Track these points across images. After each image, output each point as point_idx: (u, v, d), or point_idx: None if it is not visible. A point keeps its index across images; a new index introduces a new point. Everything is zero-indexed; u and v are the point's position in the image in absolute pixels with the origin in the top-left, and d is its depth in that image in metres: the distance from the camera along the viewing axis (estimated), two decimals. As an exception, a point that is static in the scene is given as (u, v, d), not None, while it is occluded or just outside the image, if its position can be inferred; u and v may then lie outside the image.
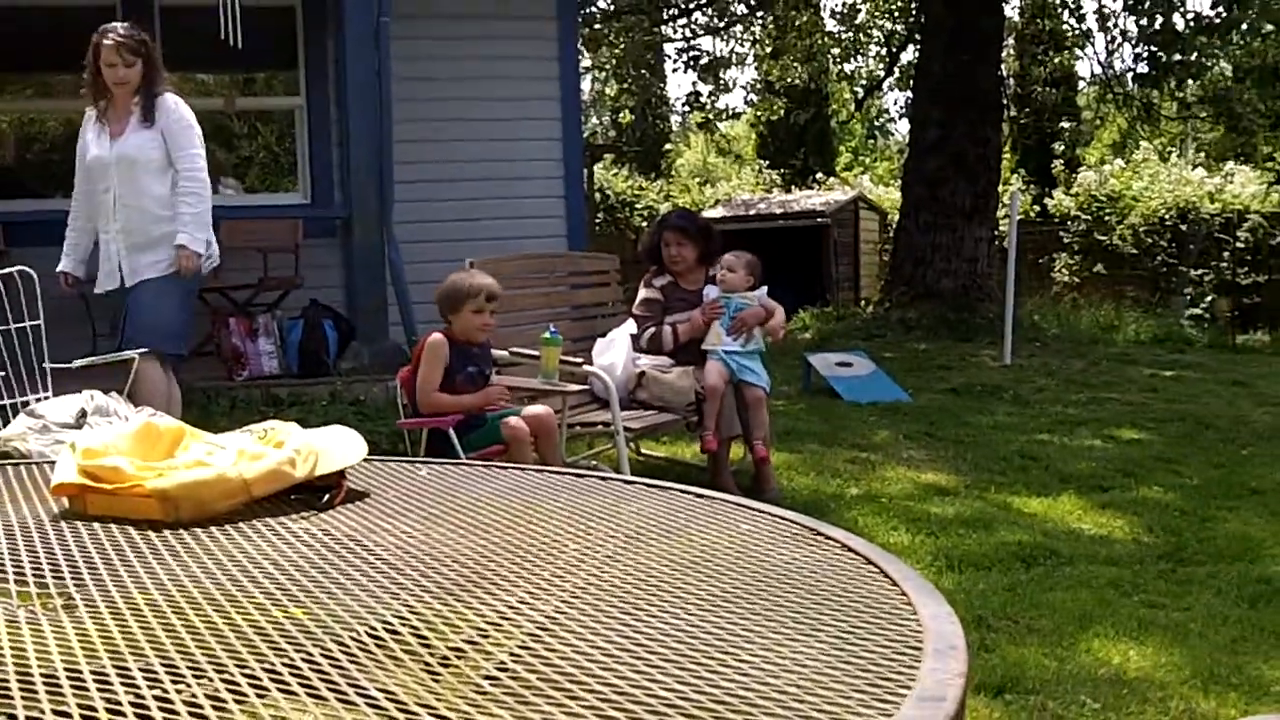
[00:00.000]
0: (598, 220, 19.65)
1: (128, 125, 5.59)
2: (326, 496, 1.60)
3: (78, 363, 5.27)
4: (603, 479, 1.85)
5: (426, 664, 1.03)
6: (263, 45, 8.95)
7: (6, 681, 0.98)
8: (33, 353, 5.23)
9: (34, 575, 1.31)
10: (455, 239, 8.50)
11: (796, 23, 19.60)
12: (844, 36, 20.79)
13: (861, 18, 20.50)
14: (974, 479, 6.06)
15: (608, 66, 24.25)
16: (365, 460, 1.77)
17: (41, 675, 0.99)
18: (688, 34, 21.29)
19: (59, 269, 5.78)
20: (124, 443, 1.58)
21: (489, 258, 5.84)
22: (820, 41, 20.39)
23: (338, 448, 1.66)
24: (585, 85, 24.07)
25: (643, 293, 6.08)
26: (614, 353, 5.85)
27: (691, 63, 21.03)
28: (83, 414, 4.98)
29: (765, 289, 5.91)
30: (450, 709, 0.92)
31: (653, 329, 5.89)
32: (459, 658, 1.05)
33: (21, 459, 4.61)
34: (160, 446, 1.62)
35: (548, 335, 5.24)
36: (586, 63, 21.66)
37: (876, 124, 33.28)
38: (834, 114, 27.03)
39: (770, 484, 5.70)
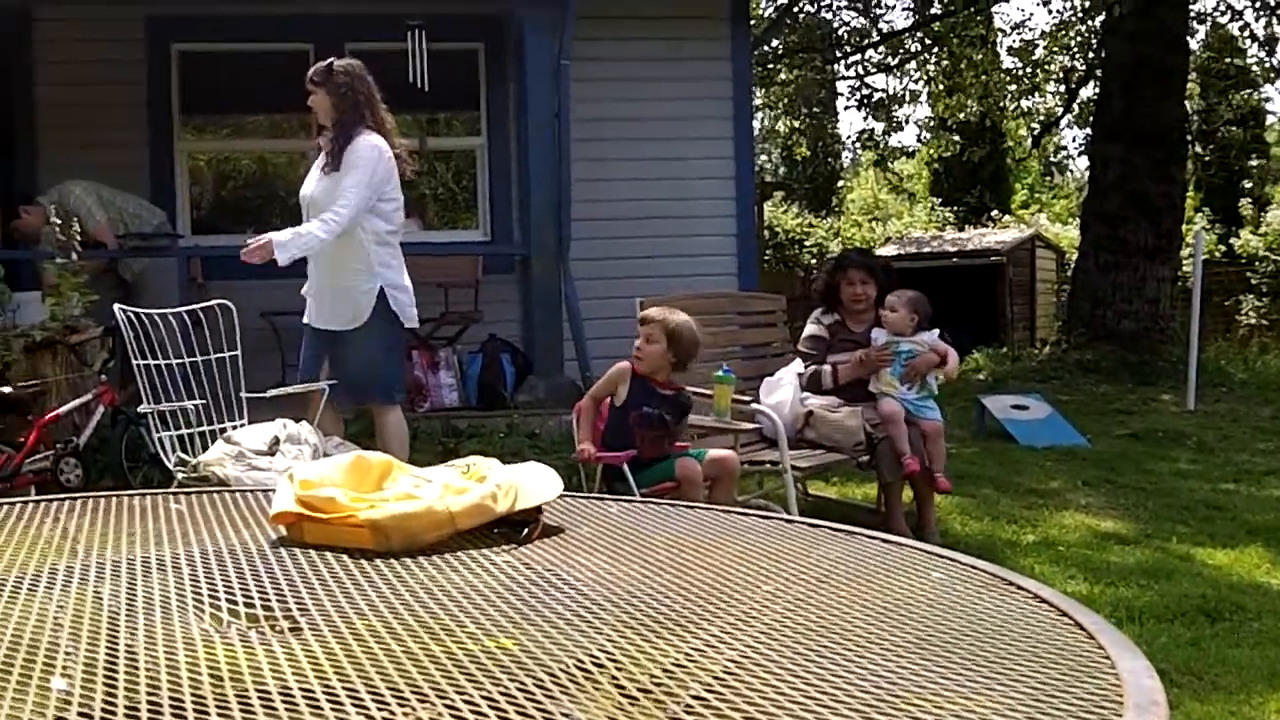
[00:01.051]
0: (766, 257, 19.68)
1: (322, 165, 5.57)
2: (526, 530, 1.67)
3: (271, 392, 5.51)
4: (788, 522, 1.88)
5: (629, 696, 1.08)
6: (446, 87, 9.24)
7: (248, 697, 1.06)
8: (230, 382, 5.49)
9: (260, 598, 1.40)
10: (629, 276, 8.64)
11: (972, 59, 19.37)
12: (1021, 73, 20.47)
13: (1039, 54, 20.17)
14: (1155, 528, 5.89)
15: (780, 103, 24.30)
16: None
17: (279, 693, 1.07)
18: (860, 71, 21.23)
19: (302, 291, 5.81)
20: (338, 474, 1.67)
21: (658, 297, 5.92)
22: (996, 78, 20.11)
23: (535, 484, 1.72)
24: (755, 122, 24.16)
25: (809, 329, 6.08)
26: (781, 392, 5.86)
27: (864, 100, 20.96)
28: (275, 441, 5.20)
29: (936, 331, 5.84)
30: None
31: (813, 368, 5.89)
32: (656, 688, 1.10)
33: (220, 483, 4.85)
34: (370, 479, 1.71)
35: (720, 374, 5.28)
36: (758, 100, 21.75)
37: (1053, 161, 32.61)
38: (1009, 151, 26.58)
39: (932, 526, 5.65)
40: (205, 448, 5.22)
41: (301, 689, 1.08)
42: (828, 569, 1.56)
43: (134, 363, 5.27)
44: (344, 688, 1.08)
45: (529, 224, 8.31)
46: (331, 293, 5.61)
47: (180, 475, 5.04)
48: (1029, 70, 20.31)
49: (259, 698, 1.06)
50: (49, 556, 1.63)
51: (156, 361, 5.33)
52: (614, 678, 1.12)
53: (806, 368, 5.92)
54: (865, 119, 21.90)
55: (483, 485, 1.66)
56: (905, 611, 1.36)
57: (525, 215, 8.54)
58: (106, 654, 1.19)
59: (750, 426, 5.60)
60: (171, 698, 1.07)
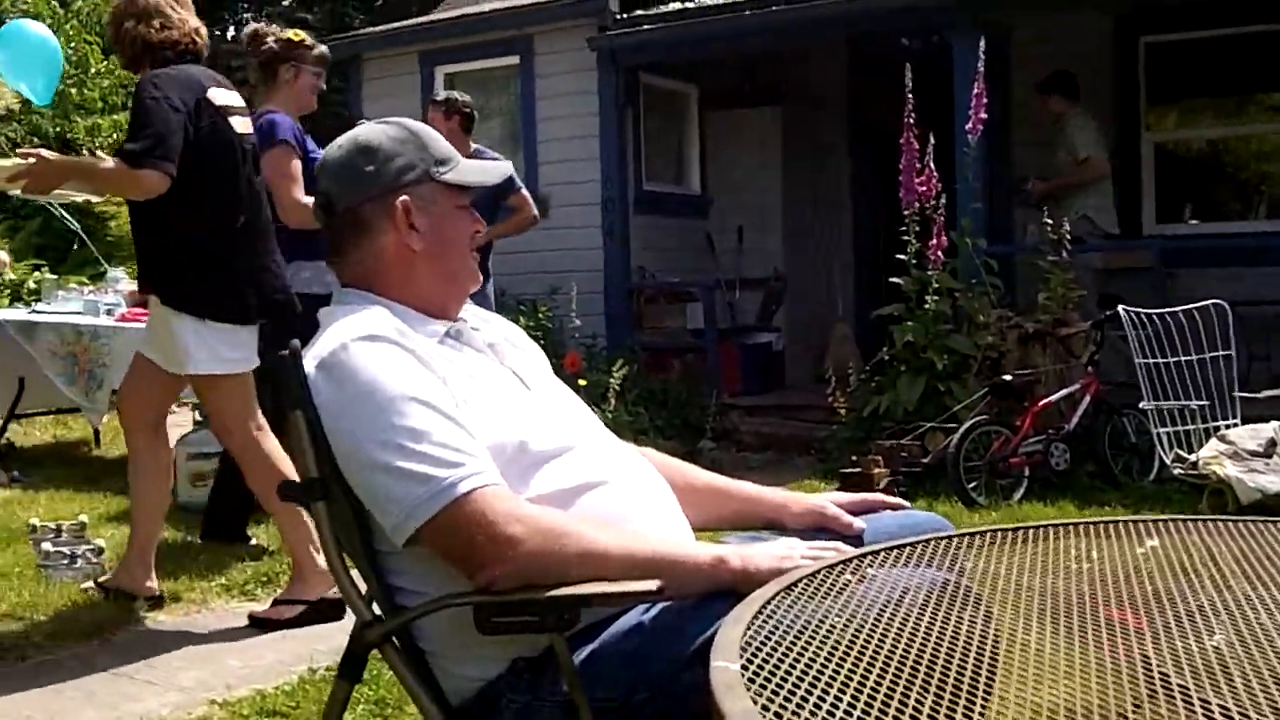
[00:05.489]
0: None
1: None
2: None
3: (1266, 393, 5.52)
4: None
5: None
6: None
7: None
8: (1224, 380, 5.58)
9: None
10: None
11: None
12: None
13: None
14: None
15: None
16: None
17: None
18: None
19: None
20: None
21: None
22: None
23: None
24: None
25: None
26: None
27: None
28: (1272, 443, 5.22)
29: None
30: None
31: None
32: None
33: (1218, 482, 4.99)
34: None
35: None
36: None
37: None
38: None
39: None
40: (1199, 445, 5.38)
41: None
42: None
43: (1135, 360, 5.56)
44: None
45: None
46: None
47: (1177, 471, 5.26)
48: None
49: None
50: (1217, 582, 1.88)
51: (1157, 360, 5.58)
52: None
53: None
54: None
55: None
56: None
57: None
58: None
59: None
60: None
